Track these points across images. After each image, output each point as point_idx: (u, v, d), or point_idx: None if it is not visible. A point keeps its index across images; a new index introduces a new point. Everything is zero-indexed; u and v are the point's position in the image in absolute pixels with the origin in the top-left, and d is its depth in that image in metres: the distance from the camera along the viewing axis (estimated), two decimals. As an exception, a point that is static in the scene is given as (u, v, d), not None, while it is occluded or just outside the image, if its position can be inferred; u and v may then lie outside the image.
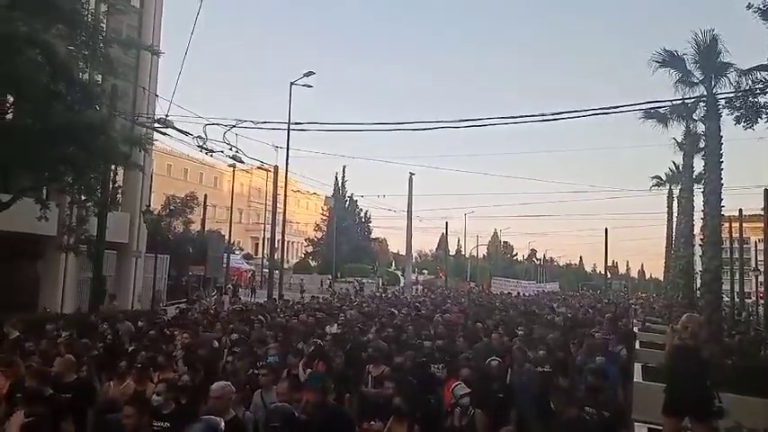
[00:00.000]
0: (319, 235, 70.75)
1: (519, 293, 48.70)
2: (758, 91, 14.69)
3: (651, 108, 18.85)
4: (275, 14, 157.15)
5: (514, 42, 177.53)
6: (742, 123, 14.59)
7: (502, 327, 13.48)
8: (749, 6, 12.92)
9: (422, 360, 9.15)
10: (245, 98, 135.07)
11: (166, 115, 17.46)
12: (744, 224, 35.67)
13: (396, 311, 19.21)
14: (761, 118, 14.53)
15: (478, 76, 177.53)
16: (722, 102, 15.27)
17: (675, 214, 27.92)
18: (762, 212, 32.39)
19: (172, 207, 32.78)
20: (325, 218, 71.40)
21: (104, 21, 16.48)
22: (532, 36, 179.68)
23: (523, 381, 8.05)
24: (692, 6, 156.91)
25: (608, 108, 13.57)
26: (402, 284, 55.47)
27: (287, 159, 29.51)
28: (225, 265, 37.81)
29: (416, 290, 49.68)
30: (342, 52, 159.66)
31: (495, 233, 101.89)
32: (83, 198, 17.26)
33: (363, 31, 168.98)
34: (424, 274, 78.40)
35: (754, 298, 45.31)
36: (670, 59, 16.39)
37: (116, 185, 21.47)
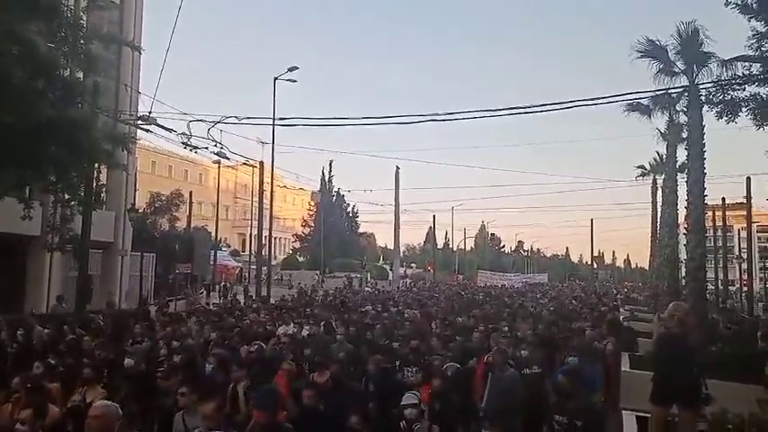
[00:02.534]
0: (307, 230, 70.68)
1: (504, 286, 48.93)
2: (736, 86, 14.85)
3: (634, 100, 19.01)
4: (260, 8, 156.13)
5: (505, 38, 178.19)
6: (723, 118, 14.77)
7: (483, 323, 12.69)
8: (727, 3, 13.07)
9: (392, 364, 8.26)
10: (230, 94, 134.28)
11: (149, 112, 17.30)
12: (727, 212, 36.13)
13: (371, 308, 18.62)
14: (741, 111, 14.71)
15: (470, 74, 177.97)
16: (703, 96, 15.42)
17: (660, 204, 28.18)
18: (744, 201, 32.86)
19: (157, 205, 32.58)
20: (312, 213, 71.28)
21: (84, 16, 16.26)
22: (527, 33, 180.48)
23: (504, 387, 7.14)
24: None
25: (592, 99, 13.67)
26: (390, 278, 55.60)
27: (273, 155, 29.42)
28: (212, 263, 37.64)
29: (404, 284, 49.81)
30: (331, 48, 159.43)
31: (483, 225, 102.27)
32: (66, 197, 17.06)
33: (354, 27, 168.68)
34: (412, 267, 78.57)
35: (737, 285, 45.99)
36: (651, 49, 16.46)
37: (100, 184, 21.24)
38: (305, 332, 12.08)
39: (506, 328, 11.81)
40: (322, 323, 13.01)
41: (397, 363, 8.54)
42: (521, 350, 8.86)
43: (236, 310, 17.71)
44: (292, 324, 13.15)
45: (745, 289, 40.18)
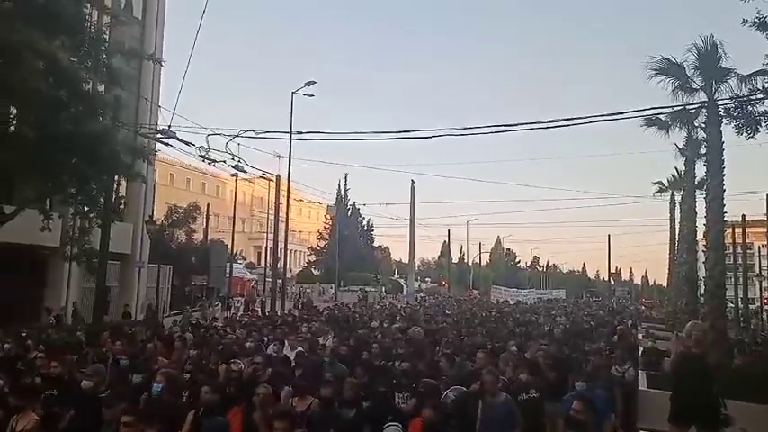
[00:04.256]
0: (322, 244, 70.76)
1: (519, 302, 48.40)
2: (757, 100, 14.70)
3: (652, 115, 18.88)
4: (279, 23, 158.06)
5: (518, 48, 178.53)
6: (744, 134, 14.62)
7: (490, 342, 12.12)
8: (744, 22, 12.98)
9: (386, 388, 7.34)
10: (248, 107, 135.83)
11: (169, 126, 17.48)
12: (747, 229, 35.63)
13: (379, 323, 17.75)
14: (761, 126, 14.55)
15: (488, 88, 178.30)
16: (722, 110, 15.28)
17: (678, 220, 27.87)
18: (765, 217, 32.41)
19: (174, 217, 32.85)
20: (327, 226, 71.43)
21: (107, 32, 16.60)
22: (536, 41, 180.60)
23: (497, 414, 6.41)
24: (693, 10, 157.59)
25: (610, 115, 13.58)
26: (405, 292, 55.43)
27: (289, 168, 29.63)
28: (227, 275, 37.81)
29: (417, 298, 49.65)
30: (349, 61, 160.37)
31: (498, 240, 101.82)
32: (86, 209, 17.30)
33: (372, 40, 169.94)
34: (427, 282, 78.37)
35: (757, 303, 45.23)
36: (667, 67, 16.38)
37: (119, 196, 21.51)
38: (288, 350, 10.85)
39: (514, 348, 11.13)
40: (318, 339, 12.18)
41: (390, 386, 7.60)
42: (520, 373, 8.05)
43: (227, 326, 16.98)
44: (273, 343, 11.74)
45: (766, 307, 39.54)
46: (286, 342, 11.37)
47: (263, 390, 6.51)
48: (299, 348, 10.71)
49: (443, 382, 7.58)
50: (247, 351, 10.17)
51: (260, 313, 25.84)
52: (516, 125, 14.64)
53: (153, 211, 27.93)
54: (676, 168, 28.94)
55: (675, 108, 17.39)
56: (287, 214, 31.70)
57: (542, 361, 9.25)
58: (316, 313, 23.04)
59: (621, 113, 13.64)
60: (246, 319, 19.91)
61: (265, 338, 12.67)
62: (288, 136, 23.75)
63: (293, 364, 9.40)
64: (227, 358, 9.11)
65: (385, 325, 17.49)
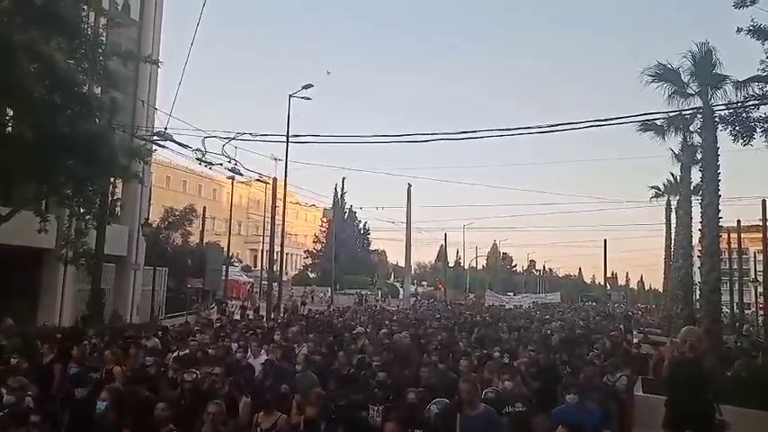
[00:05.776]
0: (318, 247, 70.79)
1: (519, 306, 48.30)
2: (752, 106, 14.77)
3: (648, 120, 18.97)
4: (276, 25, 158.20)
5: (514, 52, 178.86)
6: (739, 141, 14.69)
7: (477, 348, 11.74)
8: (739, 30, 13.05)
9: (355, 401, 6.82)
10: (247, 109, 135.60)
11: (165, 128, 17.49)
12: (742, 235, 35.72)
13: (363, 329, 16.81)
14: (756, 132, 14.62)
15: (478, 86, 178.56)
16: (718, 117, 15.35)
17: (674, 225, 27.93)
18: (760, 223, 32.50)
19: (170, 219, 32.79)
20: (324, 230, 71.47)
21: (104, 34, 16.59)
22: (532, 46, 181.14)
23: (475, 428, 5.92)
24: (690, 15, 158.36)
25: (605, 119, 13.62)
26: (401, 296, 55.47)
27: (285, 171, 29.56)
28: (223, 278, 37.73)
29: (412, 302, 49.67)
30: (344, 60, 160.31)
31: (495, 244, 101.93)
32: (82, 211, 17.27)
33: (363, 41, 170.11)
34: (423, 285, 78.38)
35: (753, 309, 45.30)
36: (664, 73, 16.46)
37: (115, 198, 21.45)
38: (252, 358, 10.18)
39: (497, 354, 10.69)
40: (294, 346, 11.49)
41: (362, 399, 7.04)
42: (503, 381, 7.57)
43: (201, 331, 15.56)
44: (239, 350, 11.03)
45: (761, 312, 39.60)
46: (249, 349, 10.73)
47: (213, 408, 5.89)
48: (265, 357, 10.11)
49: (423, 392, 7.24)
50: (210, 359, 9.27)
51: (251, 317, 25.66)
52: (511, 129, 14.66)
53: (149, 213, 27.83)
54: (672, 174, 29.07)
55: (671, 113, 17.46)
56: (283, 217, 31.68)
57: (525, 368, 8.90)
58: (299, 319, 22.37)
59: (617, 118, 13.66)
60: (219, 324, 19.32)
61: (235, 345, 11.81)
62: (284, 139, 23.78)
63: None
64: (187, 366, 8.37)
65: (369, 330, 16.69)
